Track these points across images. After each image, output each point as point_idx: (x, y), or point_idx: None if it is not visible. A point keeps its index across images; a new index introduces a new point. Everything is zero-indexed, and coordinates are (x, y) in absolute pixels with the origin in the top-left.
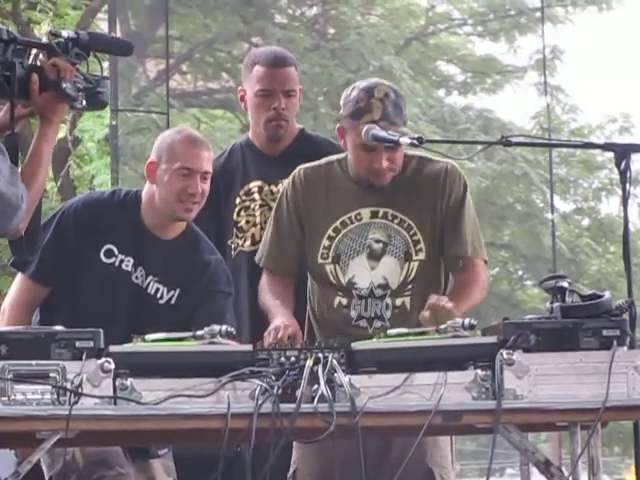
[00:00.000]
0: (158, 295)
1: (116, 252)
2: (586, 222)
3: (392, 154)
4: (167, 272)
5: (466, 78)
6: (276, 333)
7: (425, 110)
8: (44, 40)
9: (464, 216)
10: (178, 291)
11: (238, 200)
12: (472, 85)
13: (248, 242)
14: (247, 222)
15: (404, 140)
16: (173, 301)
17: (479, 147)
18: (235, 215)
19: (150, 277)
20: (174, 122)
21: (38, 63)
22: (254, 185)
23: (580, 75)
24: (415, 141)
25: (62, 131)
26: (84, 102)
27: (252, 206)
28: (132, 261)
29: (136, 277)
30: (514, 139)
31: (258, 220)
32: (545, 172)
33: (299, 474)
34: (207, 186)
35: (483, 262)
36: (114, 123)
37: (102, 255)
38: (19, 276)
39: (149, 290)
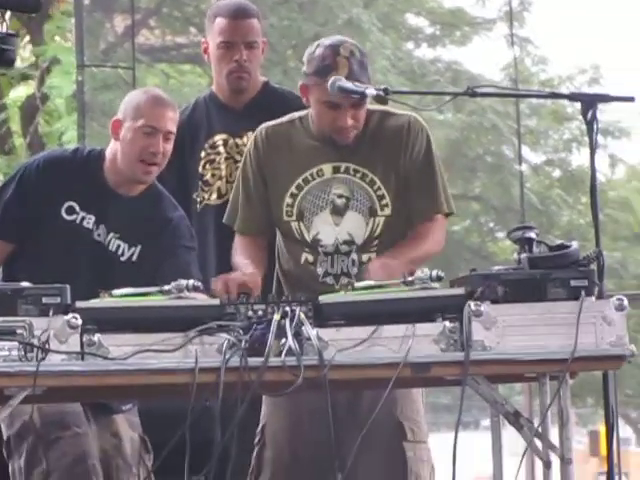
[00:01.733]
0: (119, 252)
1: (77, 209)
2: (557, 173)
3: (356, 112)
4: (128, 229)
5: (435, 30)
6: (225, 283)
7: (394, 62)
8: None
9: (432, 169)
10: (139, 248)
11: (203, 153)
12: (441, 37)
13: (214, 195)
14: (213, 175)
15: (370, 91)
16: (134, 258)
17: (447, 98)
18: (200, 168)
19: (111, 234)
20: (142, 78)
21: None
22: (219, 138)
23: (549, 26)
24: (381, 92)
25: (30, 88)
26: None
27: (217, 159)
28: (93, 219)
29: (98, 234)
30: (481, 89)
31: (224, 173)
32: (514, 123)
33: (268, 429)
34: (169, 147)
35: (445, 217)
36: (80, 79)
37: (63, 212)
38: None
39: (110, 247)
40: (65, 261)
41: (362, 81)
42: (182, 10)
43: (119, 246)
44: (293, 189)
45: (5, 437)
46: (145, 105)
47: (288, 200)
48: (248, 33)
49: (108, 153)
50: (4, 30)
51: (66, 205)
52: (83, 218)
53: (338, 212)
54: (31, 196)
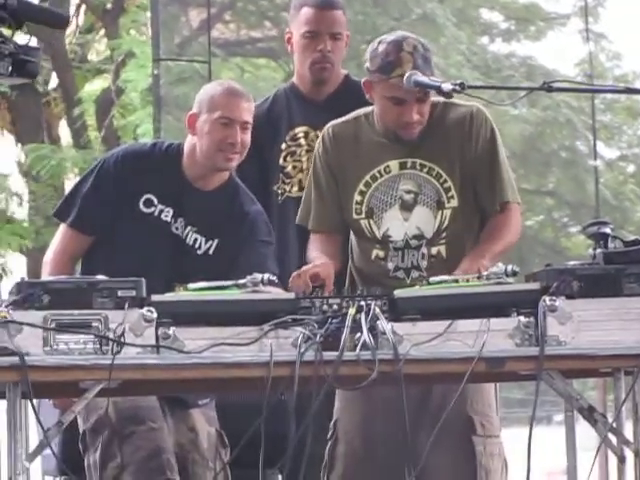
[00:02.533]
0: (196, 245)
1: (156, 202)
2: (631, 169)
3: (421, 106)
4: (206, 223)
5: (509, 25)
6: (297, 275)
7: (469, 57)
8: None
9: (498, 160)
10: (216, 241)
11: (284, 146)
12: (515, 32)
13: (295, 188)
14: (294, 168)
15: (446, 86)
16: (211, 251)
17: (522, 93)
18: (281, 160)
19: (189, 227)
20: (217, 71)
21: None
22: (300, 130)
23: (624, 21)
24: (457, 87)
25: (106, 81)
26: (9, 68)
27: (298, 151)
28: (172, 212)
29: (176, 228)
30: (556, 85)
31: (305, 166)
32: (589, 119)
33: (340, 424)
34: (247, 137)
35: (517, 206)
36: (156, 72)
37: (141, 205)
38: (61, 226)
39: (188, 240)
40: (143, 253)
41: (427, 75)
42: (257, 4)
43: (196, 239)
44: (361, 187)
45: (81, 431)
46: (220, 97)
47: (357, 198)
48: (333, 24)
49: (186, 147)
50: (27, 42)
51: (144, 198)
52: (161, 211)
53: (407, 207)
54: (110, 189)
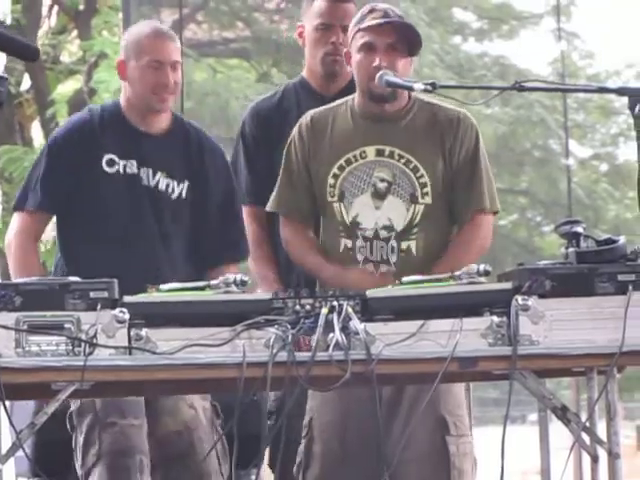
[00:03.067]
0: (170, 190)
1: (117, 159)
2: (604, 167)
3: (391, 57)
4: (171, 166)
5: (482, 25)
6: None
7: (442, 57)
8: None
9: (480, 167)
10: (187, 184)
11: None
12: (488, 32)
13: None
14: None
15: (418, 86)
16: (184, 195)
17: (494, 93)
18: None
19: (158, 174)
20: (189, 72)
21: None
22: None
23: (596, 21)
24: (429, 87)
25: (78, 82)
26: None
27: None
28: (135, 163)
29: (145, 178)
30: (529, 84)
31: None
32: (562, 117)
33: (314, 422)
34: (178, 76)
35: (492, 215)
36: None
37: (105, 166)
38: (20, 214)
39: (160, 187)
40: (122, 215)
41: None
42: (229, 5)
43: (168, 184)
44: (335, 169)
45: (70, 410)
46: (146, 41)
47: (330, 181)
48: (345, 16)
49: (122, 97)
50: None
51: (105, 159)
52: (125, 166)
53: (379, 196)
54: (66, 163)
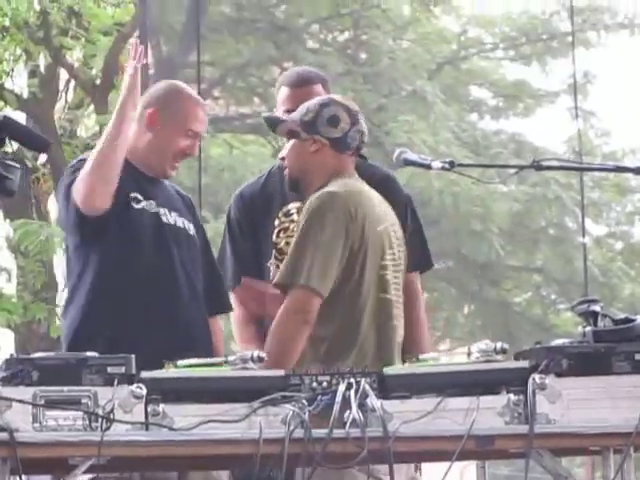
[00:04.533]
0: (185, 227)
1: (140, 197)
2: (619, 246)
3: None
4: (178, 206)
5: (498, 102)
6: None
7: (458, 134)
8: None
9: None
10: (192, 223)
11: (277, 222)
12: (504, 109)
13: None
14: (287, 243)
15: (436, 164)
16: (192, 232)
17: (511, 171)
18: (274, 237)
19: (173, 213)
20: (206, 147)
21: None
22: (293, 206)
23: (613, 99)
24: (447, 165)
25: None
26: None
27: (291, 227)
28: (153, 203)
29: (164, 216)
30: (545, 162)
31: None
32: (578, 195)
33: None
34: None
35: (298, 291)
36: None
37: (133, 203)
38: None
39: (179, 224)
40: (150, 246)
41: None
42: (246, 80)
43: (183, 222)
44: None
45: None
46: (189, 108)
47: None
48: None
49: (134, 141)
50: (6, 160)
51: (132, 196)
52: (148, 204)
53: None
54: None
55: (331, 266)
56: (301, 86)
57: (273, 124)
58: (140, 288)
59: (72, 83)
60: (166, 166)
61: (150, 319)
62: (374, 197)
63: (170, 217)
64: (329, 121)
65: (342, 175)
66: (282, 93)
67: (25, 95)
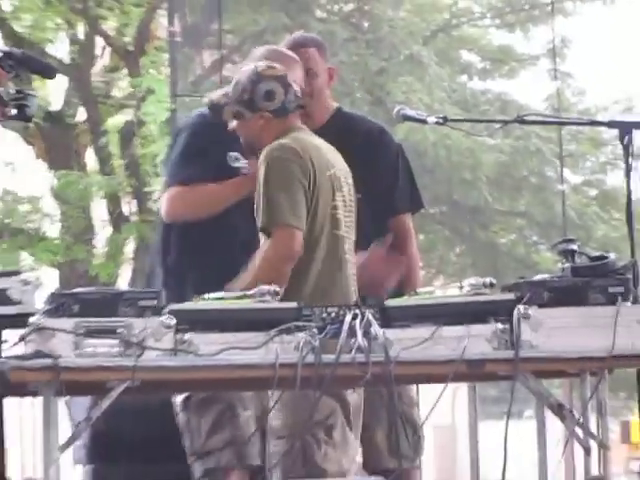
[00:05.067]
0: None
1: (239, 156)
2: (593, 192)
3: None
4: None
5: (485, 65)
6: None
7: (450, 94)
8: None
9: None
10: None
11: None
12: (491, 71)
13: None
14: None
15: (431, 119)
16: None
17: (497, 125)
18: None
19: None
20: None
21: None
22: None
23: (587, 62)
24: (441, 120)
25: (128, 115)
26: (12, 111)
27: None
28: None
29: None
30: (528, 117)
31: None
32: (556, 147)
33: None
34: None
35: (281, 230)
36: (174, 107)
37: (230, 161)
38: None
39: None
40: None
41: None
42: (262, 45)
43: None
44: None
45: (178, 399)
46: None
47: None
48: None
49: None
50: (25, 90)
51: (231, 155)
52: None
53: None
54: (208, 145)
55: (300, 202)
56: (297, 48)
57: (217, 111)
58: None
59: (107, 49)
60: None
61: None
62: (322, 146)
63: None
64: (266, 97)
65: (290, 132)
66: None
67: (66, 60)
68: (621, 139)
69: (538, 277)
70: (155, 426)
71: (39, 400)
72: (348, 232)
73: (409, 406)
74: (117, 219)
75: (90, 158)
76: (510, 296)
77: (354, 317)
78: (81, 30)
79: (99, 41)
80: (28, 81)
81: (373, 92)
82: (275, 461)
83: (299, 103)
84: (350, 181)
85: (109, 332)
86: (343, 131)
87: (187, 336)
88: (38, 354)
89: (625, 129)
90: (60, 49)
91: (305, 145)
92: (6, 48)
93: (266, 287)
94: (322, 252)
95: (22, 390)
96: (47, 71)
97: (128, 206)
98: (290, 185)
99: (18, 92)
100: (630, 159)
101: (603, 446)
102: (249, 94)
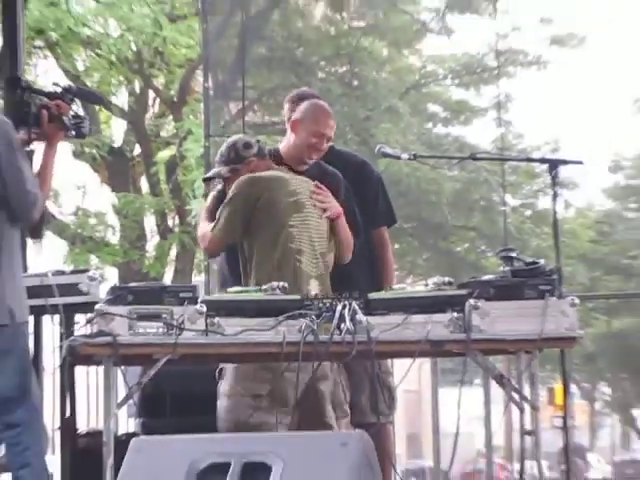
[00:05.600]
0: None
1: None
2: (528, 212)
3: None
4: None
5: (447, 115)
6: None
7: (419, 137)
8: (50, 88)
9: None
10: None
11: None
12: (451, 120)
13: None
14: None
15: (404, 156)
16: None
17: (455, 161)
18: None
19: None
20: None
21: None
22: None
23: (525, 113)
24: (412, 156)
25: (172, 150)
26: (73, 132)
27: None
28: None
29: None
30: (478, 155)
31: None
32: (500, 178)
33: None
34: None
35: None
36: (207, 145)
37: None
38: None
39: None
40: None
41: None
42: (276, 99)
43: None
44: None
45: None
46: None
47: None
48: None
49: (286, 142)
50: (81, 112)
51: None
52: None
53: None
54: None
55: (227, 218)
56: (297, 102)
57: (218, 178)
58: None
59: (157, 100)
60: (304, 154)
61: None
62: (291, 180)
63: None
64: (245, 147)
65: (269, 169)
66: (286, 106)
67: (125, 108)
68: (550, 172)
69: (485, 277)
70: (191, 387)
71: (101, 368)
72: (304, 244)
73: (386, 374)
74: (163, 230)
75: (143, 183)
76: (463, 292)
77: (344, 307)
78: (137, 85)
79: (151, 94)
80: (96, 122)
81: (360, 134)
82: None
83: (263, 150)
84: (312, 203)
85: (156, 317)
86: (336, 164)
87: (215, 320)
88: (101, 333)
89: (552, 165)
90: (121, 99)
91: (263, 178)
92: (65, 84)
93: (276, 284)
94: (277, 254)
95: (89, 361)
96: (97, 100)
97: (172, 220)
98: (228, 205)
99: (75, 117)
100: (556, 188)
101: (534, 407)
102: (234, 151)
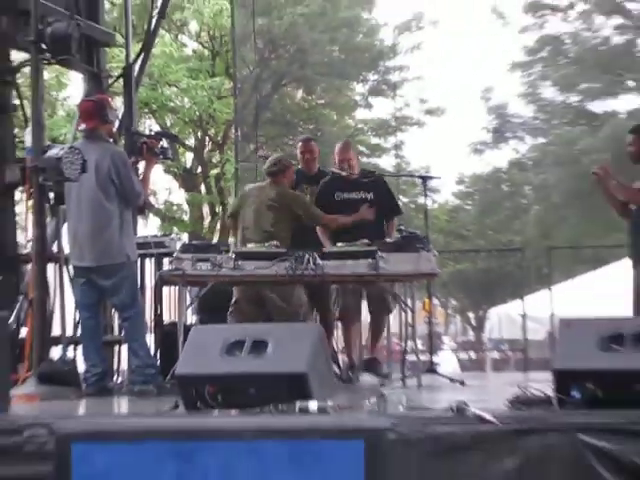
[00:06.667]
0: None
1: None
2: (412, 206)
3: None
4: None
5: (368, 152)
6: None
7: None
8: (148, 133)
9: None
10: None
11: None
12: (370, 155)
13: None
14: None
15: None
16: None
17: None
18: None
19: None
20: (259, 171)
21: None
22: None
23: (411, 151)
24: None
25: (218, 169)
26: (161, 157)
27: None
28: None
29: None
30: (386, 173)
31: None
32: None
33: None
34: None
35: None
36: (237, 167)
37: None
38: None
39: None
40: None
41: None
42: (275, 142)
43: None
44: None
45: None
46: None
47: None
48: (313, 147)
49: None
50: (166, 146)
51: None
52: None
53: None
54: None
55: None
56: (307, 141)
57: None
58: None
59: (210, 142)
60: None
61: None
62: (266, 189)
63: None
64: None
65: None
66: (299, 145)
67: (192, 145)
68: (423, 183)
69: (387, 240)
70: (223, 299)
71: (176, 288)
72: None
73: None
74: (213, 214)
75: (202, 188)
76: (374, 248)
77: (309, 256)
78: (199, 134)
79: (207, 139)
80: (175, 153)
81: (320, 163)
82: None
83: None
84: (277, 205)
85: (206, 260)
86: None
87: (239, 262)
88: (176, 269)
89: (425, 179)
90: (190, 141)
91: (250, 188)
92: (156, 130)
93: (274, 242)
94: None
95: (170, 283)
96: (174, 139)
97: (218, 208)
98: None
99: (162, 149)
100: (427, 191)
101: (412, 311)
102: (277, 165)
